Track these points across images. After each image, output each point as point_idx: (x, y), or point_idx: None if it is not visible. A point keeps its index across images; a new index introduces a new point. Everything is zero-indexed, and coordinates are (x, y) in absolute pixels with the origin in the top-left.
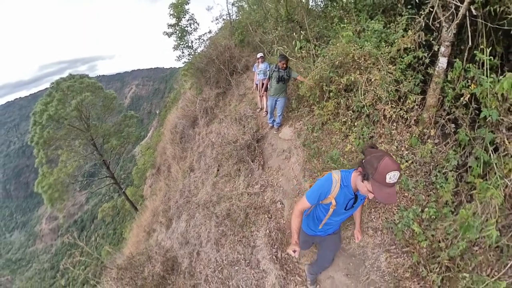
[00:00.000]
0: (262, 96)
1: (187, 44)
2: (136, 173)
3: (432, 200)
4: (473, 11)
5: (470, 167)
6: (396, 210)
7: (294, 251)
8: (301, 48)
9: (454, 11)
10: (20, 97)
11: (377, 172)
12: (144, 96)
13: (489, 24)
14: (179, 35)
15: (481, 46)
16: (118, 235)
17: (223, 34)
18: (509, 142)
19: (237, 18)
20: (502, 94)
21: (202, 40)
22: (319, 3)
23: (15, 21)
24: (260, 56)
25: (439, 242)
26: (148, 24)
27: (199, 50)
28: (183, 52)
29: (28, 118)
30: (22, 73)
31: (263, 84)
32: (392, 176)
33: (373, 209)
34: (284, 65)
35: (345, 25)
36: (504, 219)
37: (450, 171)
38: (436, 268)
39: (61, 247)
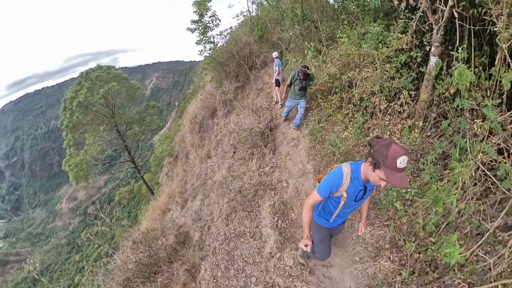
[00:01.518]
0: (275, 89)
1: (209, 40)
2: (153, 160)
3: (417, 184)
4: (455, 14)
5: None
6: (382, 189)
7: (306, 245)
8: (312, 55)
9: (440, 14)
10: (47, 86)
11: (387, 158)
12: (164, 88)
13: (471, 26)
14: (202, 31)
15: (464, 45)
16: (132, 218)
17: (243, 31)
18: (478, 127)
19: (257, 14)
20: (471, 83)
21: (223, 36)
22: (333, 3)
23: (43, 14)
24: (275, 56)
25: (417, 218)
26: (169, 18)
27: (219, 44)
28: (205, 47)
29: (54, 105)
30: (49, 64)
31: (276, 80)
32: (402, 161)
33: None
34: (303, 77)
35: (344, 32)
36: (485, 205)
37: (435, 158)
38: (413, 241)
39: (78, 225)
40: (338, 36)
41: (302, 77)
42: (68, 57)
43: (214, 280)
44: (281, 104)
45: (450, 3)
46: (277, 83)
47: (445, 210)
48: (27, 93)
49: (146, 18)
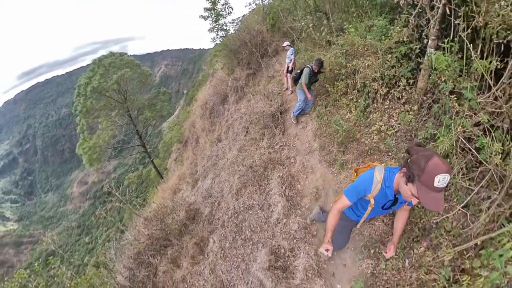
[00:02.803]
0: (286, 76)
1: (221, 27)
2: (162, 146)
3: None
4: (447, 11)
5: None
6: (379, 160)
7: (327, 250)
8: (322, 34)
9: (436, 10)
10: (57, 75)
11: (424, 173)
12: (172, 76)
13: (464, 22)
14: (214, 18)
15: (456, 39)
16: (140, 202)
17: (256, 19)
18: (459, 104)
19: (269, 3)
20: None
21: (235, 24)
22: None
23: (52, 4)
24: (286, 45)
25: None
26: (178, 6)
27: (231, 32)
28: (217, 35)
29: (64, 94)
30: (59, 54)
31: (288, 67)
32: (441, 180)
33: (361, 159)
34: (317, 69)
35: (352, 23)
36: (470, 181)
37: (426, 138)
38: None
39: (88, 209)
40: (346, 27)
41: (315, 70)
42: (77, 46)
43: (222, 251)
44: (291, 91)
45: (443, 1)
46: (290, 70)
47: None
48: (38, 82)
49: (155, 4)
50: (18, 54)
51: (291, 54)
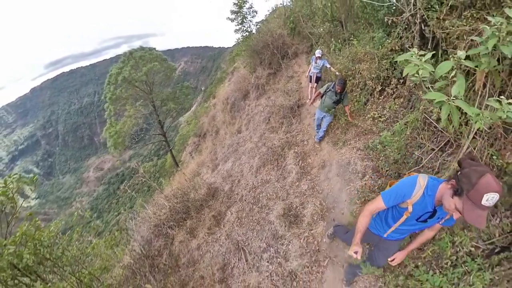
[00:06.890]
0: (313, 87)
1: (246, 29)
2: (179, 139)
3: (391, 133)
4: (422, 27)
5: None
6: (371, 139)
7: (356, 252)
8: (336, 47)
9: (417, 27)
10: (81, 66)
11: (474, 189)
12: (191, 73)
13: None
14: (240, 21)
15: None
16: (151, 192)
17: (278, 23)
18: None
19: (291, 8)
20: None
21: (259, 26)
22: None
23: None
24: (321, 55)
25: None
26: (198, 3)
27: (253, 32)
28: (242, 36)
29: (87, 84)
30: (84, 46)
31: (317, 77)
32: (490, 198)
33: (357, 138)
34: (339, 90)
35: (358, 36)
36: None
37: (406, 122)
38: (387, 167)
39: (102, 193)
40: (352, 39)
41: (338, 91)
42: (102, 39)
43: (239, 220)
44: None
45: (418, 20)
46: (318, 80)
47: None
48: (63, 72)
49: (168, 14)
50: (46, 45)
51: (326, 65)
